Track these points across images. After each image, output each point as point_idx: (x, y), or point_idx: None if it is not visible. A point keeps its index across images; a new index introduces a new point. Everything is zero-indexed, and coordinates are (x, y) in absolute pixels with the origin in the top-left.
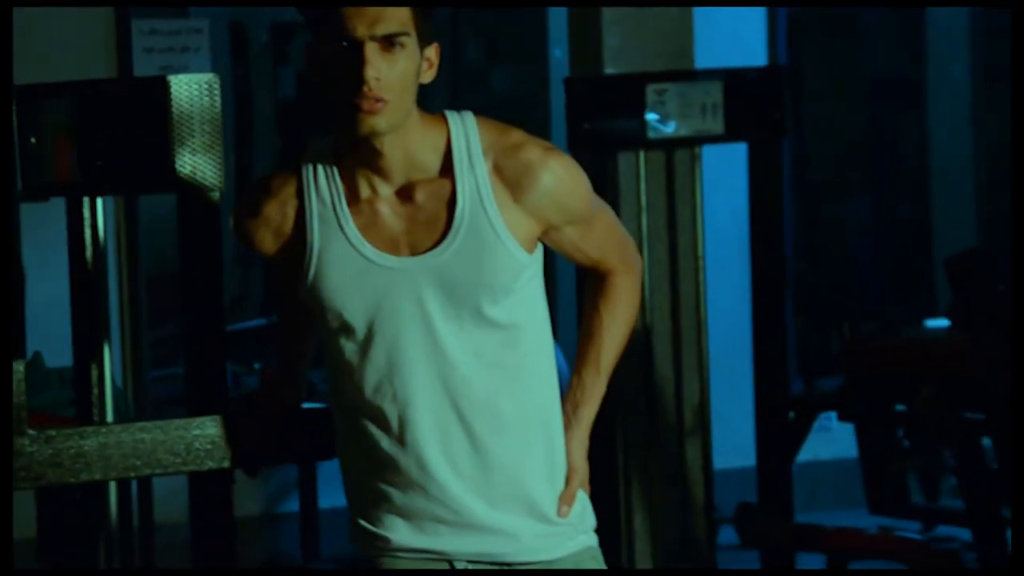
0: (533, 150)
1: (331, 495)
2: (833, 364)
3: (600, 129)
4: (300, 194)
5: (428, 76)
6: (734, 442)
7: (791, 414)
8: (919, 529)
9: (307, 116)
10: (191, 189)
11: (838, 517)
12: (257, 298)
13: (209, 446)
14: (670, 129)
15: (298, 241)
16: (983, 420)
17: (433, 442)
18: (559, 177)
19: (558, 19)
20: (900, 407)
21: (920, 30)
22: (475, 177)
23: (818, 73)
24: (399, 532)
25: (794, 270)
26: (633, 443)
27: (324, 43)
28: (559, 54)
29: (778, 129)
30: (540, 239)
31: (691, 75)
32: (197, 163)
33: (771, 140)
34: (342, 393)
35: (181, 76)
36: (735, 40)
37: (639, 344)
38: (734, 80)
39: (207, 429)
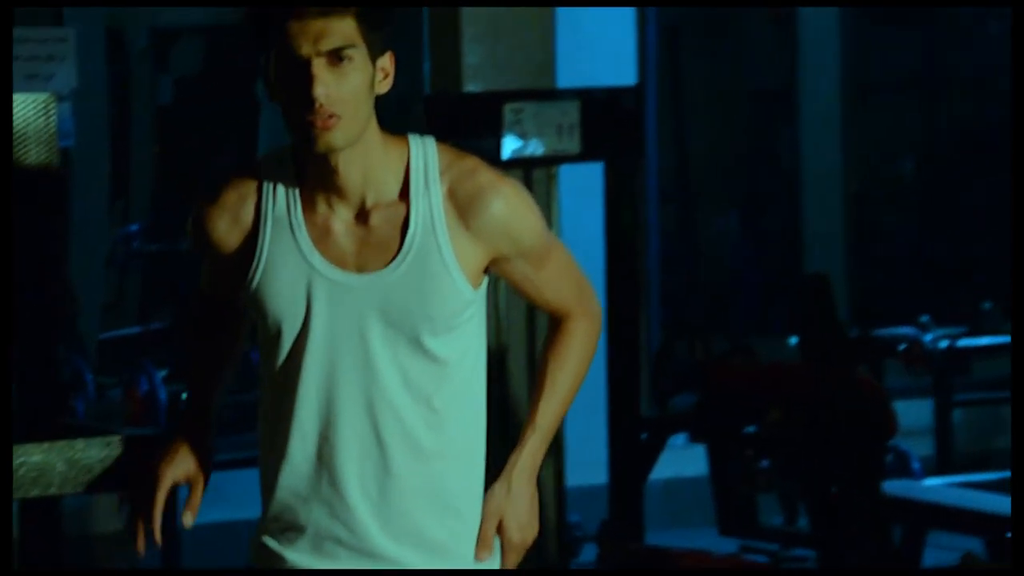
0: (486, 175)
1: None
2: (686, 383)
3: (457, 147)
4: (259, 192)
5: (384, 86)
6: (601, 458)
7: (643, 435)
8: (776, 550)
9: (187, 122)
10: (28, 210)
11: (700, 536)
12: (132, 305)
13: (35, 473)
14: (528, 149)
15: (249, 240)
16: (824, 443)
17: (349, 461)
18: (510, 204)
19: None
20: (752, 428)
21: (792, 43)
22: (429, 201)
23: (692, 85)
24: (297, 550)
25: (662, 286)
26: (486, 466)
27: (274, 62)
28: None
29: (636, 148)
30: (492, 270)
31: (549, 95)
32: (33, 183)
33: (629, 159)
34: (270, 401)
35: (17, 96)
36: (604, 56)
37: (493, 366)
38: (592, 99)
39: (32, 456)
